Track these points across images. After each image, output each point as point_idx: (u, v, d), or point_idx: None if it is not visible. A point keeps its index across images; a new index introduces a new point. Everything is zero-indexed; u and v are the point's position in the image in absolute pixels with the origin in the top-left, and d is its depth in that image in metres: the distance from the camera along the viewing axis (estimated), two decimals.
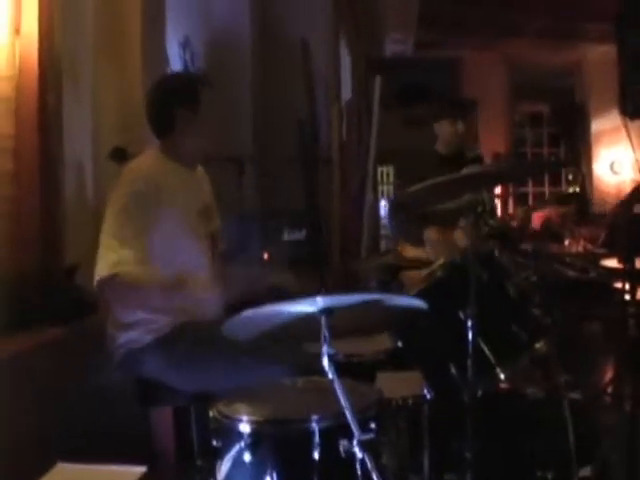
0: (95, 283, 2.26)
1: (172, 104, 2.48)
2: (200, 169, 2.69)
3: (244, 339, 1.85)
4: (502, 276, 2.45)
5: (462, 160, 3.69)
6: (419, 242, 3.61)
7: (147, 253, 2.32)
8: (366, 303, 1.74)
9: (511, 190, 9.13)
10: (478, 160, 3.47)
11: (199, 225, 2.53)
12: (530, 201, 10.75)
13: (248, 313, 1.71)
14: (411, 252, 3.70)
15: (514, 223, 3.25)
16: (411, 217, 3.69)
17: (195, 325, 2.43)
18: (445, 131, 3.82)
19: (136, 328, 2.43)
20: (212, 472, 1.81)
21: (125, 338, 2.43)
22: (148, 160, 2.51)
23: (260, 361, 2.28)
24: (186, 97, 2.48)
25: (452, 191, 2.30)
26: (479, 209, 2.22)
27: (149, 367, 2.41)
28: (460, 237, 3.49)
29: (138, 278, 2.27)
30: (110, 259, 2.25)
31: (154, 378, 2.41)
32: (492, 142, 9.34)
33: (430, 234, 3.67)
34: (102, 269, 2.26)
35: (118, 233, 2.30)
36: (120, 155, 3.02)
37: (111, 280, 2.24)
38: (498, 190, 7.11)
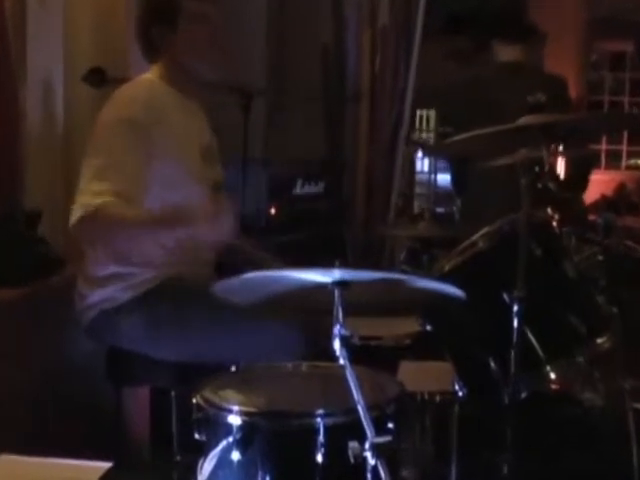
0: (73, 222, 2.27)
1: (150, 21, 2.55)
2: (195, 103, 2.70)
3: (240, 303, 1.88)
4: (560, 252, 2.44)
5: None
6: None
7: (142, 193, 2.35)
8: (387, 281, 1.75)
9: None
10: (541, 107, 3.42)
11: (204, 169, 2.56)
12: (603, 162, 10.68)
13: (249, 276, 1.74)
14: None
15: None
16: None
17: (183, 281, 2.46)
18: (501, 56, 3.81)
19: (110, 284, 2.46)
20: (193, 471, 1.83)
21: (97, 296, 2.47)
22: (145, 84, 2.55)
23: (263, 329, 2.32)
24: (163, 13, 2.53)
25: (503, 145, 2.29)
26: (536, 169, 2.20)
27: (124, 332, 2.45)
28: None
29: (127, 213, 2.29)
30: (94, 189, 2.27)
31: (130, 346, 2.45)
32: None
33: None
34: (83, 203, 2.27)
35: (106, 163, 2.32)
36: (98, 78, 3.01)
37: (93, 215, 2.24)
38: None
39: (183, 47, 2.54)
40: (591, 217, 3.41)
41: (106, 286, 2.46)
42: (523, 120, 2.20)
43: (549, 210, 2.43)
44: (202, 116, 2.70)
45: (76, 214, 2.26)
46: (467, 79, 4.28)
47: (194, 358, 2.39)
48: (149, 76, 2.59)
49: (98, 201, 2.24)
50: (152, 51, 2.58)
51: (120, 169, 2.32)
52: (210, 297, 1.86)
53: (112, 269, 2.45)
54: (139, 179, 2.36)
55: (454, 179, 4.35)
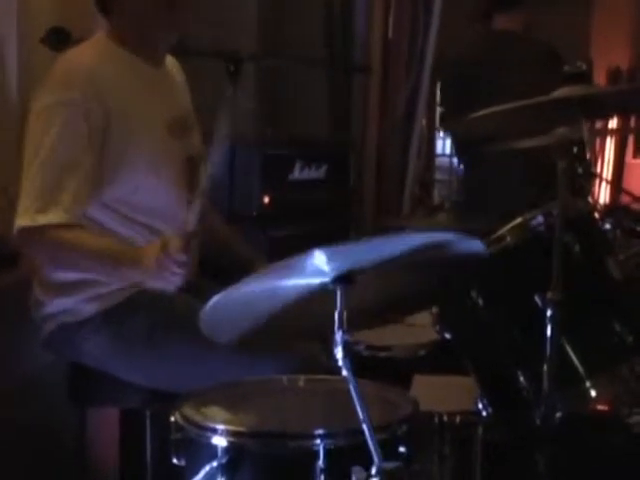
0: (15, 230, 2.32)
1: None
2: (173, 63, 2.73)
3: (230, 341, 1.91)
4: (602, 249, 2.44)
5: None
6: None
7: (90, 194, 2.38)
8: (403, 261, 1.75)
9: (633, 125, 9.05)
10: (582, 77, 3.44)
11: (169, 145, 2.57)
12: None
13: (227, 294, 1.74)
14: None
15: None
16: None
17: (157, 295, 2.48)
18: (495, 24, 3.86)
19: (72, 293, 2.48)
20: None
21: (57, 306, 2.49)
22: (91, 50, 2.56)
23: (248, 352, 2.33)
24: None
25: (535, 123, 2.30)
26: (575, 150, 2.21)
27: (87, 350, 2.47)
28: None
29: (77, 238, 2.34)
30: (38, 201, 2.31)
31: (95, 366, 2.48)
32: (609, 52, 9.22)
33: None
34: (25, 214, 2.31)
35: (48, 162, 2.34)
36: (60, 39, 3.02)
37: (38, 233, 2.30)
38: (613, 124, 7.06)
39: (132, 5, 2.53)
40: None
41: (67, 295, 2.48)
42: (560, 92, 2.21)
43: (589, 199, 2.44)
44: (172, 85, 2.71)
45: (20, 222, 2.31)
46: (454, 52, 4.37)
47: (170, 386, 2.40)
48: (99, 37, 2.60)
49: (43, 220, 2.29)
50: (104, 6, 2.58)
51: (70, 169, 2.34)
52: (188, 314, 1.88)
53: (74, 275, 2.47)
54: (93, 177, 2.38)
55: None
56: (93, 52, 2.54)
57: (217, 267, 2.59)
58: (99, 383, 2.52)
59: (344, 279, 1.74)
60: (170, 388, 2.38)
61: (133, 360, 2.45)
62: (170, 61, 2.75)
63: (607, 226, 2.48)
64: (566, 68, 3.47)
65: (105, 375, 2.48)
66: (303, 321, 1.96)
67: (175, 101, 2.69)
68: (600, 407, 2.58)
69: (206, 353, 2.36)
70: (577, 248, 2.33)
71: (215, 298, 1.75)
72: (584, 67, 3.42)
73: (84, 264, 2.39)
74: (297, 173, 4.18)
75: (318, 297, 1.79)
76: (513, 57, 3.97)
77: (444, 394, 2.42)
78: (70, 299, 2.48)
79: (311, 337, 2.31)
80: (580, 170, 2.41)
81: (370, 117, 5.50)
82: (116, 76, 2.49)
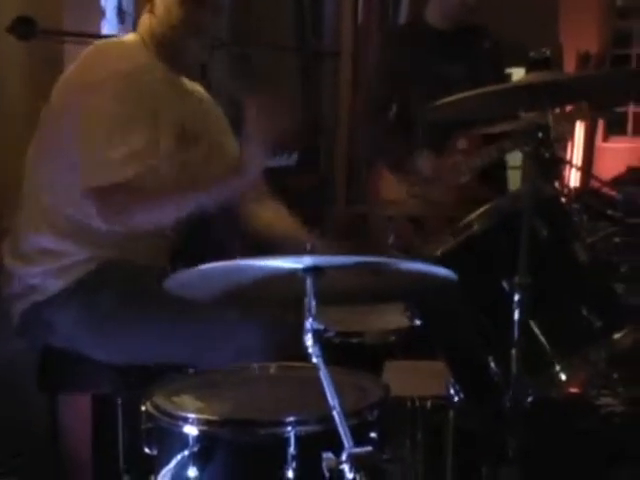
0: (89, 189, 2.35)
1: None
2: (197, 86, 2.81)
3: (196, 297, 1.93)
4: (569, 234, 2.45)
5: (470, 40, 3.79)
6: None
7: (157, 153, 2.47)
8: (366, 266, 1.79)
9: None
10: (547, 64, 3.46)
11: (175, 149, 2.60)
12: (630, 128, 10.67)
13: (206, 267, 1.76)
14: (390, 189, 3.75)
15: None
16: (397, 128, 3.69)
17: (128, 266, 2.50)
18: None
19: (39, 261, 2.49)
20: None
21: (25, 280, 2.50)
22: (132, 51, 2.60)
23: (224, 326, 2.36)
24: None
25: (502, 109, 2.31)
26: (540, 135, 2.21)
27: (58, 328, 2.48)
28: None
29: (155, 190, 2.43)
30: (113, 157, 2.35)
31: (65, 345, 2.48)
32: (578, 37, 9.23)
33: (425, 161, 3.69)
34: (107, 170, 2.35)
35: (118, 123, 2.40)
36: (26, 29, 3.01)
37: (121, 186, 2.34)
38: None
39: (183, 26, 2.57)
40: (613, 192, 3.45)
41: (34, 263, 2.50)
42: (525, 79, 2.22)
43: (557, 184, 2.45)
44: (186, 98, 2.74)
45: (98, 181, 2.34)
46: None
47: (142, 361, 2.43)
48: (134, 39, 2.65)
49: (128, 173, 2.35)
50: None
51: (133, 128, 2.41)
52: (161, 287, 1.89)
53: (44, 242, 2.49)
54: (151, 138, 2.46)
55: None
56: (133, 52, 2.60)
57: (192, 256, 2.59)
58: (69, 368, 2.52)
59: (315, 269, 1.76)
60: (142, 363, 2.41)
61: (101, 336, 2.46)
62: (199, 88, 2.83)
63: (575, 210, 2.50)
64: (531, 54, 3.48)
65: (75, 359, 2.48)
66: (271, 295, 2.00)
67: (194, 114, 2.71)
68: (570, 390, 2.60)
69: (179, 326, 2.40)
70: (544, 233, 2.33)
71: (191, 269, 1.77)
72: (548, 53, 3.43)
73: (185, 204, 2.45)
74: (269, 160, 4.17)
75: (288, 279, 1.80)
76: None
77: (415, 379, 2.43)
78: (37, 269, 2.49)
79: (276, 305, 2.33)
80: (547, 155, 2.42)
81: (341, 103, 5.51)
82: (150, 76, 2.56)
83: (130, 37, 2.67)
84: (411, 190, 3.59)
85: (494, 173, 3.75)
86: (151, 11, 2.59)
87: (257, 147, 2.40)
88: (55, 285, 2.48)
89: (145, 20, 2.63)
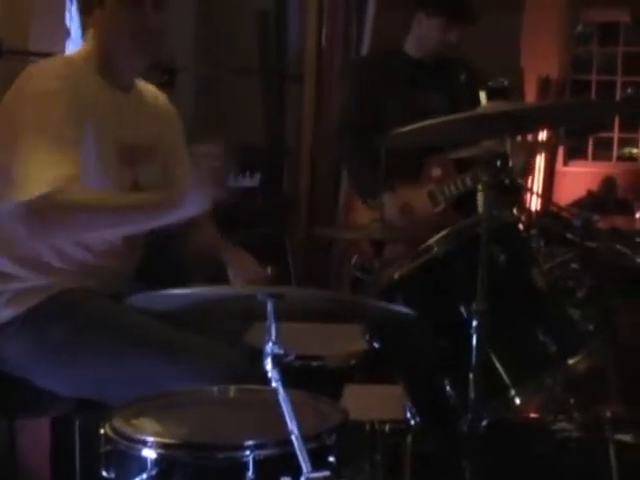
0: (19, 208, 2.28)
1: None
2: (155, 95, 2.77)
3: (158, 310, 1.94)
4: (527, 259, 2.49)
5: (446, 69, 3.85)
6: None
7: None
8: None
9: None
10: (504, 93, 3.50)
11: (119, 169, 2.55)
12: (590, 152, 10.72)
13: (165, 293, 1.78)
14: (363, 214, 3.77)
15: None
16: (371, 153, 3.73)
17: (82, 295, 2.46)
18: (427, 31, 3.92)
19: None
20: None
21: None
22: (66, 66, 2.55)
23: (178, 358, 2.33)
24: None
25: (464, 136, 2.33)
26: (498, 163, 2.24)
27: (10, 356, 2.44)
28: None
29: (94, 196, 2.36)
30: (45, 174, 2.28)
31: (18, 374, 2.44)
32: (539, 63, 9.31)
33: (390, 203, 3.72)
34: (34, 187, 2.27)
35: (52, 145, 2.33)
36: None
37: (47, 200, 2.26)
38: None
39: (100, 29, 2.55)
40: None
41: None
42: (483, 108, 2.25)
43: (515, 210, 2.48)
44: (139, 112, 2.69)
45: (28, 193, 2.27)
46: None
47: (91, 394, 2.39)
48: (73, 56, 2.61)
49: (49, 189, 2.26)
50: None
51: (65, 147, 2.35)
52: (116, 318, 1.88)
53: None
54: (78, 157, 2.39)
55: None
56: (68, 67, 2.54)
57: (155, 274, 2.59)
58: (26, 393, 2.47)
59: (275, 295, 1.77)
60: (92, 395, 2.38)
61: (54, 367, 2.42)
62: (152, 91, 2.78)
63: (534, 236, 2.53)
64: (490, 83, 3.52)
65: (30, 384, 2.44)
66: (230, 309, 2.02)
67: (136, 128, 2.64)
68: (525, 415, 2.62)
69: (132, 359, 2.35)
70: (502, 259, 2.37)
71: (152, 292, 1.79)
72: (506, 83, 3.47)
73: (113, 219, 2.39)
74: (230, 181, 4.15)
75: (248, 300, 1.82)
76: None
77: (375, 403, 2.44)
78: None
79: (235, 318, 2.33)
80: (507, 182, 2.45)
81: (304, 125, 5.53)
82: (88, 90, 2.50)
83: (73, 54, 2.64)
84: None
85: (465, 199, 3.79)
86: (94, 24, 2.57)
87: (202, 189, 2.33)
88: (7, 314, 2.44)
89: (88, 35, 2.60)
